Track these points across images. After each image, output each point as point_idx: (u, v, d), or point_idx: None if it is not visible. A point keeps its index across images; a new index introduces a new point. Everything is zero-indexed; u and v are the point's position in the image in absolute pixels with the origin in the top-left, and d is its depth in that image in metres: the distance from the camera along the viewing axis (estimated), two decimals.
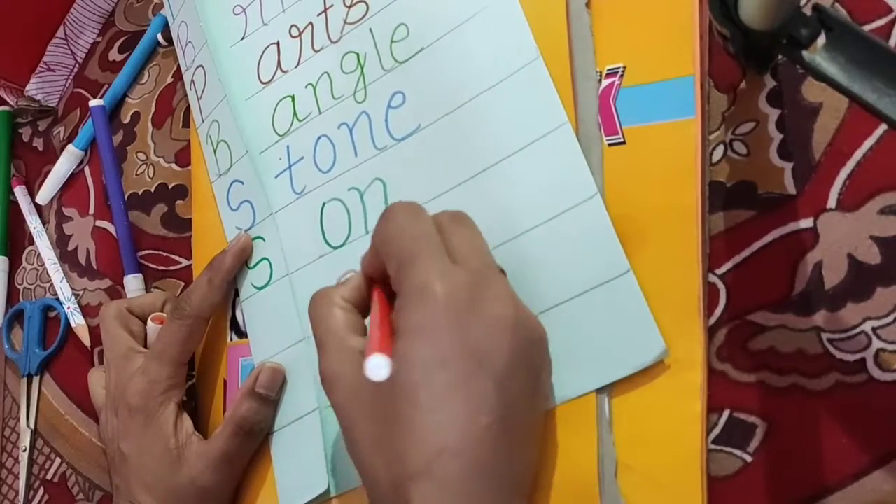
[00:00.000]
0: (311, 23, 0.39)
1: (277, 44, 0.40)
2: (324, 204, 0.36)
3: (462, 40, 0.34)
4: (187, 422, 0.37)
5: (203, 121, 0.43)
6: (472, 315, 0.26)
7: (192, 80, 0.44)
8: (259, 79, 0.40)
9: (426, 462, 0.24)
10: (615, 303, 0.29)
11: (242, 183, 0.40)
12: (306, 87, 0.38)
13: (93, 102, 0.49)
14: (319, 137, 0.37)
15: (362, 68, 0.37)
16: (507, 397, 0.25)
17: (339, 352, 0.28)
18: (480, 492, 0.24)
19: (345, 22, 0.38)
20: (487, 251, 0.29)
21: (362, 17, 0.37)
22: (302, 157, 0.38)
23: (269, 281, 0.38)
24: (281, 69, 0.40)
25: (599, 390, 0.29)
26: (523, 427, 0.26)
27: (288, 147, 0.38)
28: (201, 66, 0.43)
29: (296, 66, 0.39)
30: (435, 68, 0.34)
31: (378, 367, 0.24)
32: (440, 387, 0.25)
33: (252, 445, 0.36)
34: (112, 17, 0.53)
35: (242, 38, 0.42)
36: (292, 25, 0.40)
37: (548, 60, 0.31)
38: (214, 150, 0.42)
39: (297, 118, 0.38)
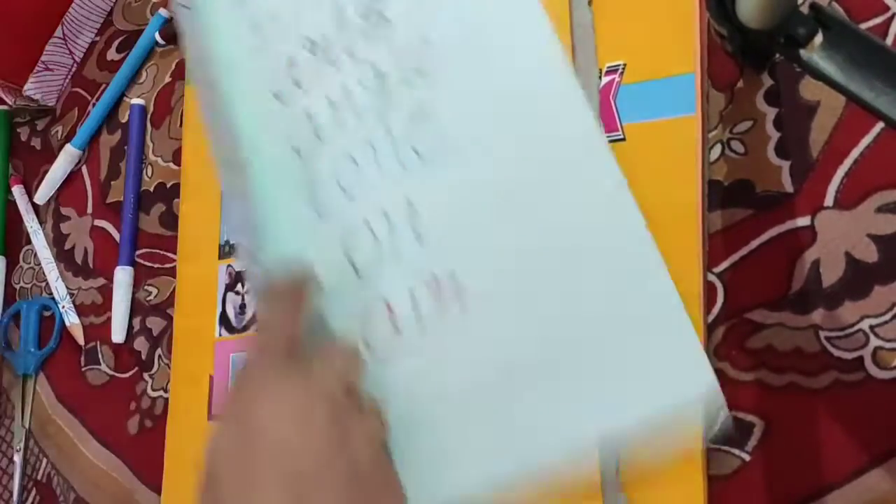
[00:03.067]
0: (328, 37, 0.38)
1: (293, 59, 0.39)
2: (348, 226, 0.34)
3: (488, 52, 0.33)
4: None
5: (216, 141, 0.42)
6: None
7: (203, 98, 0.43)
8: (273, 95, 0.39)
9: None
10: (661, 334, 0.26)
11: (247, 203, 0.39)
12: (325, 103, 0.37)
13: (134, 101, 0.49)
14: (341, 157, 0.36)
15: (384, 83, 0.36)
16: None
17: None
18: None
19: (365, 36, 0.37)
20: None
21: (383, 32, 0.36)
22: (322, 178, 0.37)
23: None
24: (297, 86, 0.39)
25: None
26: None
27: (307, 167, 0.37)
28: (211, 82, 0.42)
29: (313, 82, 0.38)
30: (460, 81, 0.33)
31: None
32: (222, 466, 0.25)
33: None
34: (110, 17, 0.53)
35: (256, 54, 0.41)
36: (309, 40, 0.39)
37: None
38: (225, 171, 0.41)
39: (317, 137, 0.37)
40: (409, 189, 0.33)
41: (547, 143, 0.30)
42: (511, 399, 0.29)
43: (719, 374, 0.29)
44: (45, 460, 0.47)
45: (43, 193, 0.52)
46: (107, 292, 0.47)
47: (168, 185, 0.46)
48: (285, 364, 0.27)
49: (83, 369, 0.46)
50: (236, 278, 0.41)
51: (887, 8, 0.28)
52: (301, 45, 0.38)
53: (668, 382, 0.26)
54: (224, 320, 0.40)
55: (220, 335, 0.39)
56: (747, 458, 0.28)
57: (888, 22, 0.28)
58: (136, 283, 0.46)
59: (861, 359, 0.27)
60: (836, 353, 0.27)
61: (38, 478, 0.47)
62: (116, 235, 0.48)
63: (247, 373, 0.27)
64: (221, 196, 0.42)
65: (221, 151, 0.41)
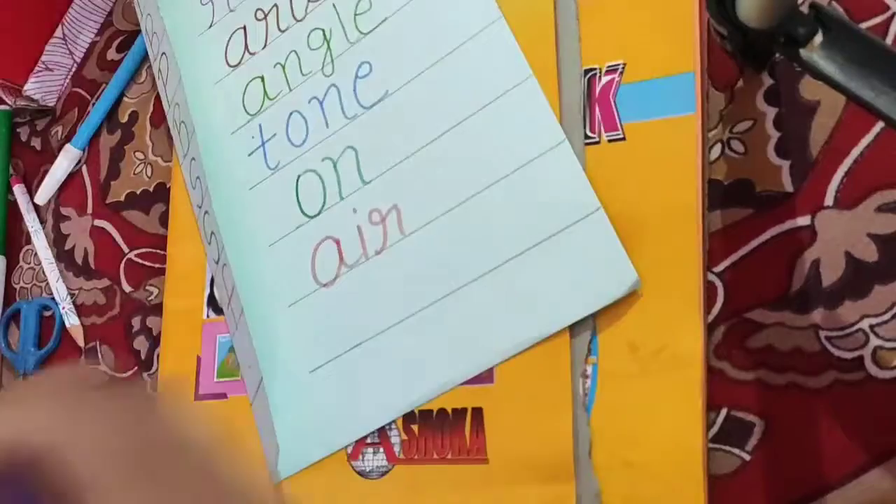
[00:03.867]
0: (275, 4, 0.41)
1: (244, 28, 0.42)
2: (298, 176, 0.38)
3: (425, 5, 0.35)
4: None
5: (169, 106, 0.44)
6: None
7: (159, 69, 0.45)
8: (227, 62, 0.42)
9: None
10: (587, 240, 0.30)
11: (195, 159, 0.41)
12: (275, 66, 0.40)
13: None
14: (291, 113, 0.39)
15: (328, 43, 0.38)
16: None
17: None
18: None
19: (308, 0, 0.38)
20: None
21: None
22: (274, 134, 0.39)
23: (218, 257, 0.39)
24: (248, 51, 0.41)
25: (574, 370, 0.29)
26: None
27: (260, 125, 0.40)
28: (164, 52, 0.44)
29: (263, 48, 0.41)
30: (399, 35, 0.36)
31: None
32: None
33: None
34: (110, 17, 0.53)
35: (210, 27, 0.43)
36: (258, 9, 0.42)
37: (529, 44, 0.32)
38: (178, 133, 0.43)
39: (268, 97, 0.40)
40: (352, 136, 0.36)
41: (480, 88, 0.33)
42: (455, 311, 0.32)
43: (719, 373, 0.29)
44: None
45: (43, 194, 0.52)
46: (110, 293, 0.47)
47: (168, 185, 0.46)
48: None
49: None
50: None
51: (887, 7, 0.28)
52: (251, 13, 0.42)
53: (601, 285, 0.29)
54: (212, 301, 0.40)
55: (207, 316, 0.40)
56: (748, 457, 0.28)
57: (888, 21, 0.28)
58: (137, 284, 0.46)
59: (861, 358, 0.27)
60: (836, 352, 0.27)
61: None
62: (117, 235, 0.48)
63: None
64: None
65: (176, 117, 0.42)
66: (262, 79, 0.40)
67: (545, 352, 0.30)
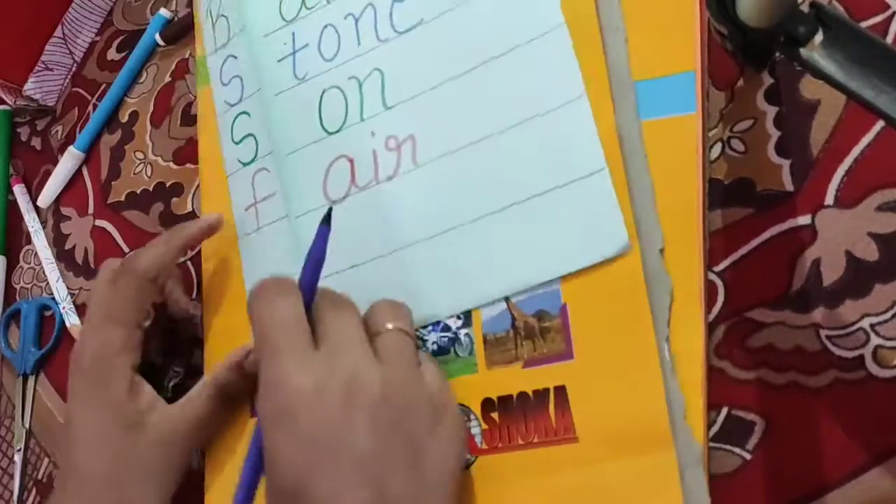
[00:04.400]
0: None
1: None
2: (323, 91, 0.38)
3: None
4: (146, 387, 0.35)
5: None
6: (328, 402, 0.26)
7: None
8: None
9: None
10: (588, 198, 0.30)
11: (236, 58, 0.41)
12: None
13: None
14: (325, 26, 0.38)
15: None
16: (376, 472, 0.25)
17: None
18: None
19: None
20: (359, 338, 0.29)
21: None
22: (307, 44, 0.39)
23: (254, 157, 0.39)
24: None
25: (658, 335, 0.28)
26: (407, 494, 0.26)
27: (294, 33, 0.39)
28: None
29: None
30: None
31: None
32: (304, 471, 0.26)
33: (227, 412, 0.37)
34: (110, 17, 0.54)
35: None
36: None
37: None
38: (213, 25, 0.43)
39: (306, 6, 0.40)
40: (381, 58, 0.36)
41: (511, 29, 0.33)
42: (451, 247, 0.33)
43: (719, 372, 0.29)
44: (45, 460, 0.47)
45: (46, 197, 0.52)
46: None
47: (167, 185, 0.46)
48: (312, 353, 0.28)
49: None
50: None
51: (887, 6, 0.28)
52: None
53: (593, 243, 0.29)
54: None
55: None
56: (748, 456, 0.28)
57: (888, 20, 0.28)
58: None
59: (862, 357, 0.27)
60: (837, 351, 0.27)
61: (39, 477, 0.47)
62: (117, 236, 0.48)
63: (280, 381, 0.27)
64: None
65: (213, 9, 0.43)
66: None
67: (625, 319, 0.29)
